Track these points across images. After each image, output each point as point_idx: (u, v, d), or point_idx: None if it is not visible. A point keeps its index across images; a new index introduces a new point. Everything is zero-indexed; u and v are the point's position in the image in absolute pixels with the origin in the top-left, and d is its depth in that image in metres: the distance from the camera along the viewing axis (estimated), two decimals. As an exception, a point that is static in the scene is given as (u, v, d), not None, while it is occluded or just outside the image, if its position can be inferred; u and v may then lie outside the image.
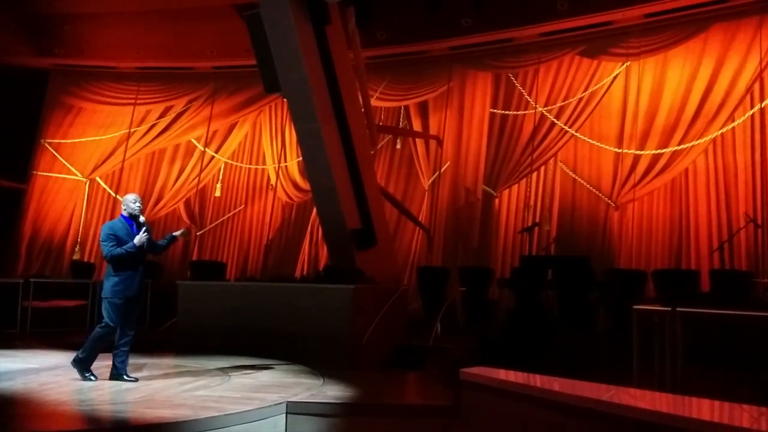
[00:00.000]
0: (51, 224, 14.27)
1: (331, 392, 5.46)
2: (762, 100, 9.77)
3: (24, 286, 9.57)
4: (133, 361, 5.96)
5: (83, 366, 5.57)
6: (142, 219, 5.75)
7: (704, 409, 3.29)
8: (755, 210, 9.41)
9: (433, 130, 12.50)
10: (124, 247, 5.55)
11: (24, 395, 5.02)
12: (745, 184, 9.65)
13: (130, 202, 5.76)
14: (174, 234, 6.11)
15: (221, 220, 14.20)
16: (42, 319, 9.51)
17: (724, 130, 9.96)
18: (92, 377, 5.57)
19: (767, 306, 6.41)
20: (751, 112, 9.83)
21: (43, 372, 6.06)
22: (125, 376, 5.60)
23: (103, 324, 5.55)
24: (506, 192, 11.73)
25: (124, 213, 5.74)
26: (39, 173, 14.47)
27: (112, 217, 13.48)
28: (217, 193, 14.21)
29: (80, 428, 4.36)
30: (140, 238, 5.60)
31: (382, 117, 13.04)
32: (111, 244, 5.54)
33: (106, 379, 5.60)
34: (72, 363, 5.62)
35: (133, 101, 14.38)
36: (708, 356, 6.03)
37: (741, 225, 9.31)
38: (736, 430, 2.73)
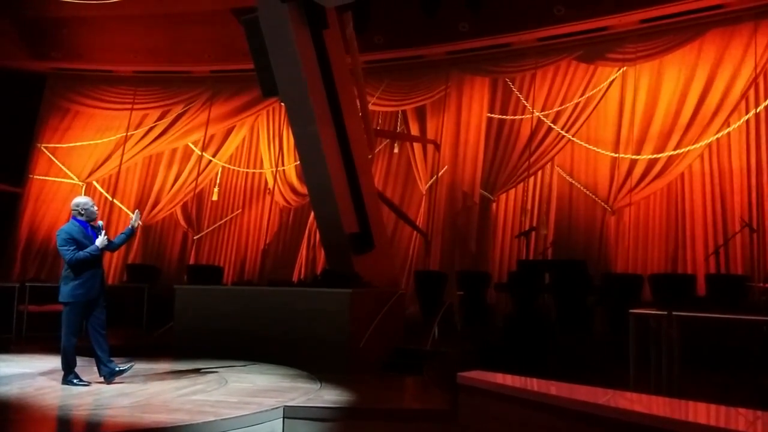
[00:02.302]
0: (47, 228, 14.19)
1: (328, 396, 5.46)
2: (757, 105, 9.81)
3: (20, 290, 9.54)
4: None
5: (71, 378, 5.59)
6: (100, 223, 5.79)
7: (700, 412, 3.30)
8: (750, 214, 9.44)
9: (430, 135, 12.52)
10: (87, 250, 5.58)
11: (20, 400, 5.02)
12: (741, 189, 9.68)
13: (88, 206, 5.77)
14: (132, 225, 5.97)
15: (218, 224, 14.17)
16: (38, 324, 9.46)
17: (719, 134, 10.00)
18: (83, 383, 5.57)
19: (763, 310, 6.43)
20: (746, 117, 9.87)
21: (38, 377, 6.05)
22: (118, 368, 5.66)
23: (62, 342, 5.57)
24: (503, 196, 11.74)
25: (80, 217, 5.73)
26: (35, 177, 14.42)
27: (108, 222, 13.46)
28: (215, 197, 14.19)
29: (77, 433, 4.35)
30: (102, 240, 5.64)
31: (380, 121, 13.05)
32: (72, 248, 5.56)
33: (102, 384, 5.60)
34: (63, 383, 5.61)
35: (130, 105, 14.36)
36: (704, 360, 6.05)
37: (736, 229, 9.34)
38: (732, 434, 2.73)
